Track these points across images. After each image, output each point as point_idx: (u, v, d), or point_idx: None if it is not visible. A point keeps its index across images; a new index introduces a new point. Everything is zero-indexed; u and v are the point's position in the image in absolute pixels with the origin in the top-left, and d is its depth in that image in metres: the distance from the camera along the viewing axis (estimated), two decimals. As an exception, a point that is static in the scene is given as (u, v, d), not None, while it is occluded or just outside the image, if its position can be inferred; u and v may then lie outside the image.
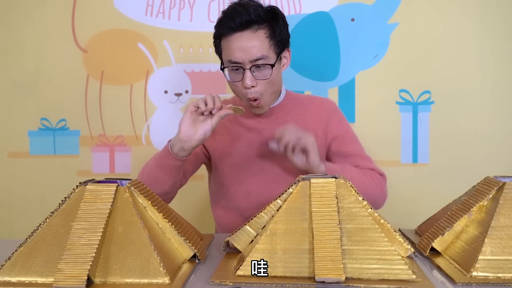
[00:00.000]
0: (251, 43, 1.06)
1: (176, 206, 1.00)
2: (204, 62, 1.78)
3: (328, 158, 1.24)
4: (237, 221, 1.18)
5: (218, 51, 1.15)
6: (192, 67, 1.79)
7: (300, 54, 1.74)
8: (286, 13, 1.73)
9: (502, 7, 1.74)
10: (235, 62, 1.08)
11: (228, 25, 1.07)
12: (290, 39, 1.17)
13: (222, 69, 1.13)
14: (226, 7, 1.12)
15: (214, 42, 1.16)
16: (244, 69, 1.08)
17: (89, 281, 0.69)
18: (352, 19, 1.77)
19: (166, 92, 1.81)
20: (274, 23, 1.10)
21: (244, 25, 1.06)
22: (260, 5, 1.09)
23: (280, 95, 1.23)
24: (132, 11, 1.79)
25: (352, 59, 1.78)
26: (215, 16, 1.76)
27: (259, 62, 1.07)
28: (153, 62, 1.80)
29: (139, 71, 1.81)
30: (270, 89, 1.13)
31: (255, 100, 1.12)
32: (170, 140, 1.07)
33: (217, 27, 1.11)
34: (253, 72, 1.08)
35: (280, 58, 1.14)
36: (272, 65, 1.09)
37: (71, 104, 1.81)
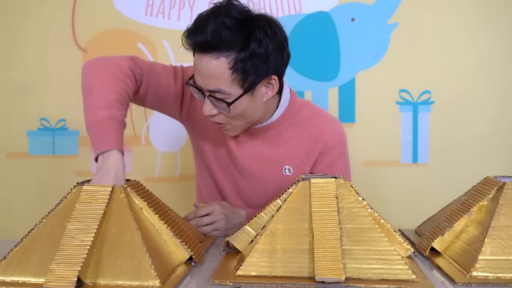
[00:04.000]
0: (209, 72, 0.89)
1: (175, 206, 1.00)
2: (204, 62, 1.78)
3: None
4: None
5: None
6: (192, 67, 1.79)
7: (300, 54, 1.74)
8: (286, 13, 1.73)
9: (502, 7, 1.74)
10: (195, 84, 0.95)
11: (189, 39, 0.90)
12: (288, 60, 1.00)
13: (187, 82, 0.98)
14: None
15: None
16: (203, 94, 0.94)
17: (80, 282, 0.68)
18: (352, 19, 1.77)
19: (166, 92, 1.81)
20: (246, 51, 0.88)
21: (202, 47, 0.89)
22: (235, 23, 0.87)
23: (273, 114, 1.05)
24: (132, 11, 1.79)
25: (352, 59, 1.77)
26: (215, 16, 1.76)
27: (217, 96, 0.92)
28: (153, 62, 1.80)
29: (139, 71, 1.81)
30: (236, 121, 0.98)
31: (219, 124, 0.99)
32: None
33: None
34: (213, 101, 0.93)
35: (254, 89, 0.94)
36: (229, 103, 0.91)
37: (70, 104, 1.81)
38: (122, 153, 0.85)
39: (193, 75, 0.96)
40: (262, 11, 0.96)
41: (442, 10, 1.75)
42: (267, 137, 1.07)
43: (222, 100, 0.91)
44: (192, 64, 0.98)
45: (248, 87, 0.92)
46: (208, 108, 0.94)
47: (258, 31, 0.89)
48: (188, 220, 1.02)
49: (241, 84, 0.91)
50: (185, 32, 0.91)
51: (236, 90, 0.91)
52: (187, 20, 1.78)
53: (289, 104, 1.06)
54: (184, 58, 1.78)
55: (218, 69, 0.88)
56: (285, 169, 1.06)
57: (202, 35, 0.86)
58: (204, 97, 0.94)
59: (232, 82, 0.90)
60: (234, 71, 0.89)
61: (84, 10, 1.79)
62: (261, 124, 1.05)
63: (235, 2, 0.91)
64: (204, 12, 0.90)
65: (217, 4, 0.90)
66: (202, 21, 0.88)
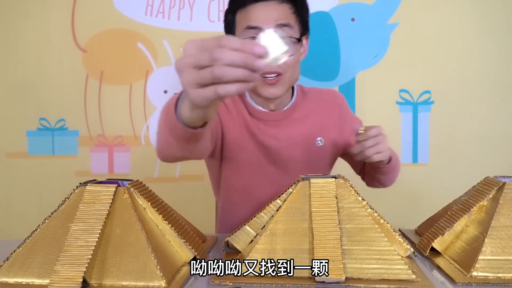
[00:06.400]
0: (277, 12, 0.99)
1: (175, 206, 1.00)
2: (204, 62, 1.78)
3: (346, 152, 1.19)
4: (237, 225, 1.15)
5: (231, 27, 1.06)
6: (191, 67, 1.79)
7: (300, 54, 1.74)
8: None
9: (502, 7, 1.74)
10: (256, 28, 0.98)
11: None
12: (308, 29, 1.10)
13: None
14: (226, 7, 1.08)
15: (225, 18, 1.07)
16: None
17: (85, 283, 0.68)
18: (352, 19, 1.77)
19: (165, 92, 1.81)
20: (299, 2, 1.04)
21: None
22: None
23: (293, 94, 1.15)
24: (132, 11, 1.79)
25: (352, 59, 1.77)
26: (215, 16, 1.76)
27: (285, 30, 0.98)
28: (153, 62, 1.80)
29: (139, 71, 1.81)
30: (289, 72, 1.03)
31: (275, 76, 1.01)
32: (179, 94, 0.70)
33: None
34: None
35: (301, 42, 1.05)
36: (298, 39, 1.01)
37: (70, 104, 1.81)
38: None
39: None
40: None
41: (442, 10, 1.75)
42: (292, 120, 1.14)
43: (290, 37, 1.00)
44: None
45: (302, 34, 1.05)
46: None
47: None
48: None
49: (299, 27, 1.04)
50: None
51: (297, 32, 1.03)
52: (187, 20, 1.78)
53: (297, 89, 1.18)
54: (184, 58, 1.78)
55: (284, 10, 1.00)
56: (318, 140, 1.14)
57: None
58: None
59: (296, 23, 1.02)
60: (296, 14, 1.02)
61: (84, 10, 1.79)
62: (284, 108, 1.13)
63: None
64: None
65: None
66: None
